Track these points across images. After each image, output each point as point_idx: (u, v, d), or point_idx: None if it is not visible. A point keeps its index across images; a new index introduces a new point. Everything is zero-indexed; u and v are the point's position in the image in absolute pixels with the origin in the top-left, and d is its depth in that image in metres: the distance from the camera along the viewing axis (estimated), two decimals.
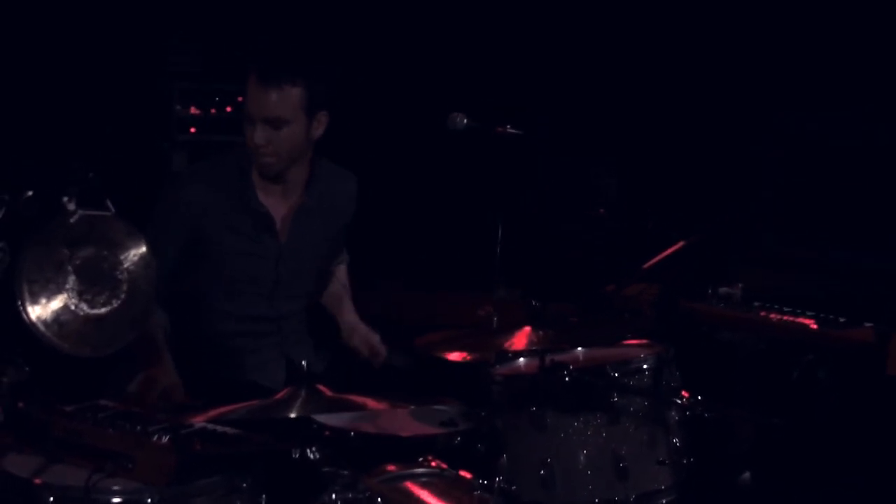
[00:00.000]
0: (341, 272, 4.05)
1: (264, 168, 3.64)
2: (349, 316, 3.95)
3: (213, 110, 5.65)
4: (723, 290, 4.10)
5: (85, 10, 5.40)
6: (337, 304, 3.99)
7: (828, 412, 3.95)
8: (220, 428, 2.93)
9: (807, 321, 3.95)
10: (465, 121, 3.81)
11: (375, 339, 3.85)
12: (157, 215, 3.68)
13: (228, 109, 5.65)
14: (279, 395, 2.96)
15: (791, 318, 3.98)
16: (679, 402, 3.27)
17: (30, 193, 2.72)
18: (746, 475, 3.44)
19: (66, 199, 2.71)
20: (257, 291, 3.75)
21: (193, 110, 5.63)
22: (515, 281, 4.46)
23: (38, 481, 2.75)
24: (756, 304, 4.09)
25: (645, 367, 3.33)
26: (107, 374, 3.56)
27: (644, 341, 3.51)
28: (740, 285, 4.12)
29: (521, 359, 3.49)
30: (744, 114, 5.18)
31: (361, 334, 3.87)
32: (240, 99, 5.51)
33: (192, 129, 5.62)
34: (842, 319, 3.90)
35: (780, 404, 4.00)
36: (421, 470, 3.14)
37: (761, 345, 4.01)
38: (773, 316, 4.02)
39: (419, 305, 4.51)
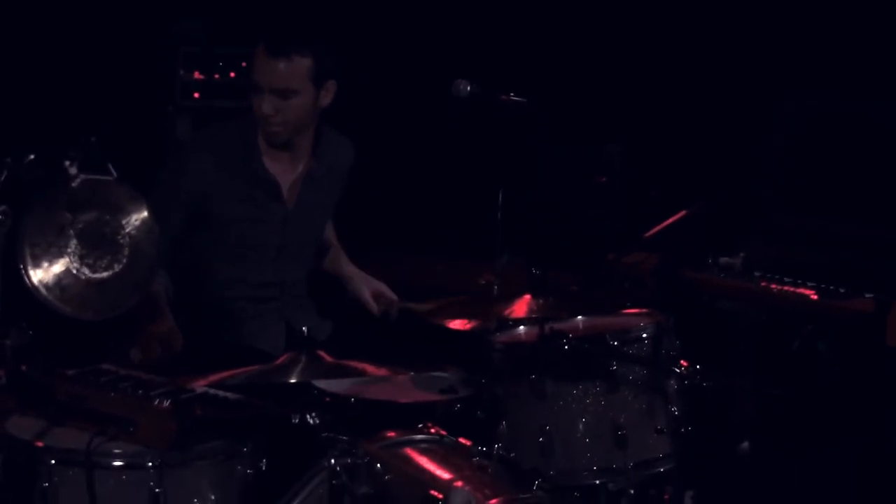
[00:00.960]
0: (331, 233, 4.07)
1: (272, 137, 3.65)
2: (351, 268, 3.99)
3: (216, 75, 5.62)
4: (723, 259, 4.09)
5: None
6: (336, 262, 4.02)
7: (827, 382, 3.96)
8: (220, 393, 2.95)
9: (807, 291, 3.95)
10: (469, 88, 3.81)
11: (383, 286, 3.88)
12: (161, 181, 3.69)
13: (232, 75, 5.63)
14: (280, 361, 2.97)
15: (791, 289, 3.98)
16: (678, 370, 3.28)
17: (31, 157, 2.73)
18: (745, 444, 3.45)
19: (67, 163, 2.71)
20: (262, 257, 3.76)
21: (197, 75, 5.61)
22: (518, 249, 4.47)
23: (39, 444, 2.78)
24: (757, 274, 4.08)
25: (644, 335, 3.34)
26: (110, 337, 3.58)
27: (644, 310, 3.52)
28: (741, 255, 4.12)
29: (522, 327, 3.50)
30: (748, 86, 5.16)
31: (369, 283, 3.90)
32: (244, 64, 5.54)
33: (196, 95, 5.60)
34: (842, 290, 3.89)
35: (780, 374, 4.01)
36: (420, 436, 3.14)
37: (762, 315, 4.01)
38: (773, 286, 4.02)
39: (420, 272, 4.51)
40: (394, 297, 3.87)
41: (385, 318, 3.87)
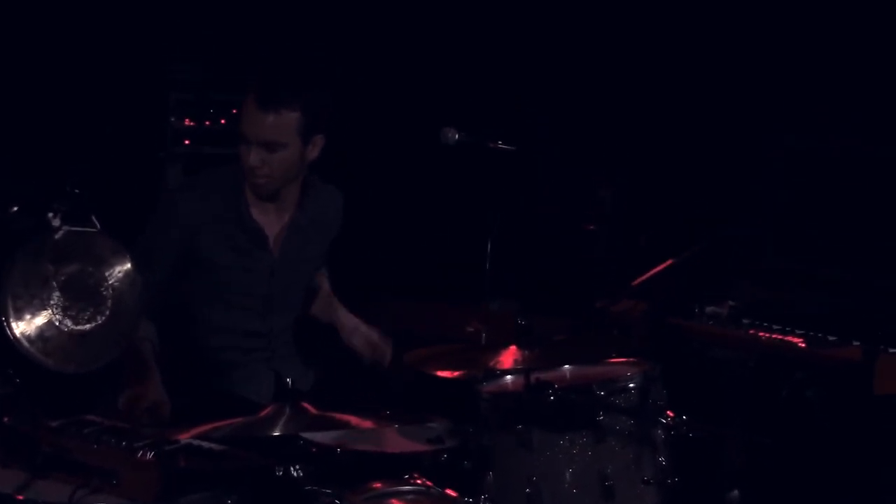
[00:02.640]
0: (323, 279, 4.06)
1: (257, 188, 3.66)
2: (345, 317, 3.94)
3: (207, 122, 5.64)
4: (711, 308, 4.10)
5: (80, 20, 5.40)
6: (331, 310, 3.98)
7: (816, 431, 3.95)
8: (205, 444, 2.93)
9: (796, 339, 3.95)
10: (458, 136, 3.82)
11: (375, 335, 3.86)
12: (150, 228, 3.70)
13: (223, 121, 5.65)
14: (264, 413, 2.96)
15: (780, 337, 3.98)
16: (665, 420, 3.26)
17: (15, 209, 2.73)
18: (735, 494, 3.43)
19: (51, 214, 2.71)
20: (249, 306, 3.76)
21: (188, 122, 5.63)
22: (507, 294, 4.46)
23: (20, 497, 2.76)
24: (745, 321, 4.08)
25: (631, 385, 3.32)
26: (95, 388, 3.56)
27: (631, 359, 3.50)
28: (729, 303, 4.12)
29: (508, 377, 3.48)
30: (737, 131, 5.18)
31: (363, 333, 3.87)
32: (235, 111, 5.54)
33: (187, 141, 5.62)
34: (831, 338, 3.89)
35: (768, 423, 3.99)
36: (407, 487, 3.13)
37: (750, 363, 4.01)
38: (761, 334, 4.02)
39: (409, 317, 4.50)
40: (386, 348, 3.84)
41: (376, 368, 3.85)
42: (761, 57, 5.22)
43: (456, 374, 3.41)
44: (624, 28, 5.59)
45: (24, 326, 2.69)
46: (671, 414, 3.25)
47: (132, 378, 3.54)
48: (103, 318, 2.76)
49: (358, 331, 3.90)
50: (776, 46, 5.16)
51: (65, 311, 2.72)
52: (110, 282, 2.78)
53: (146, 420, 3.43)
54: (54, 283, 2.71)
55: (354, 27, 5.81)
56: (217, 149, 5.52)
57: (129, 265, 2.80)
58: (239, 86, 4.01)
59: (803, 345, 3.91)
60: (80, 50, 5.44)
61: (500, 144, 3.90)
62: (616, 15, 5.61)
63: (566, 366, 3.50)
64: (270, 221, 3.75)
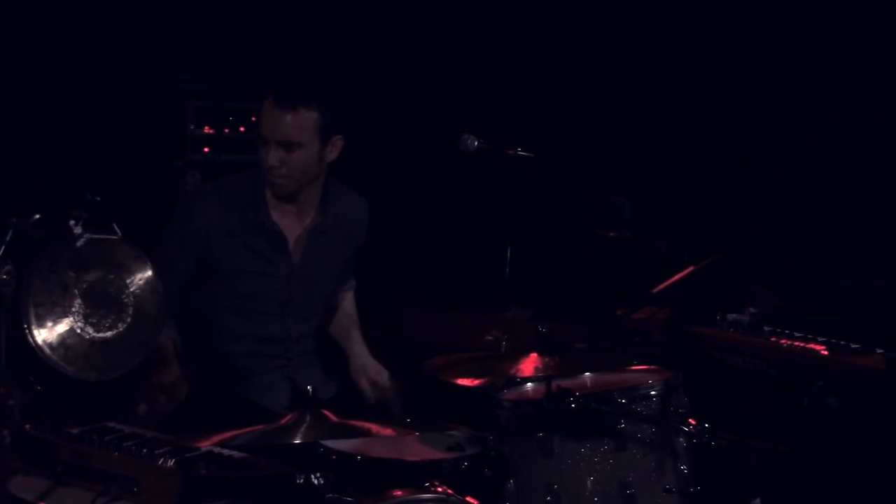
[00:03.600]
0: (348, 301, 4.05)
1: (276, 188, 3.66)
2: (358, 348, 3.90)
3: (226, 129, 5.65)
4: (732, 315, 4.08)
5: (98, 28, 5.42)
6: (345, 336, 3.96)
7: (838, 439, 3.92)
8: (225, 452, 2.93)
9: (818, 347, 3.92)
10: (476, 143, 3.82)
11: (383, 377, 3.79)
12: (169, 233, 3.70)
13: (242, 129, 5.66)
14: (284, 420, 2.95)
15: (801, 344, 3.95)
16: (687, 428, 3.25)
17: (37, 217, 2.73)
18: (756, 502, 3.41)
19: (72, 222, 2.72)
20: (268, 311, 3.76)
21: (207, 129, 5.64)
22: (525, 302, 4.45)
23: None
24: (766, 329, 4.06)
25: (653, 393, 3.31)
26: (116, 395, 3.57)
27: (652, 367, 3.49)
28: (750, 310, 4.10)
29: (529, 384, 3.47)
30: (760, 138, 5.16)
31: (370, 375, 3.80)
32: (253, 119, 5.56)
33: (206, 149, 5.63)
34: (853, 346, 3.87)
35: (790, 431, 3.97)
36: (427, 495, 3.12)
37: (771, 371, 3.98)
38: (783, 341, 3.99)
39: (428, 326, 4.50)
40: (390, 391, 3.78)
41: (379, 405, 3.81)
42: (778, 64, 5.20)
43: (476, 381, 3.40)
44: (639, 37, 5.59)
45: (46, 334, 2.69)
46: (693, 422, 3.24)
47: (151, 369, 3.53)
48: (124, 325, 2.76)
49: (365, 371, 3.82)
50: (789, 54, 5.14)
51: (86, 318, 2.73)
52: (131, 289, 2.78)
53: (164, 400, 3.44)
54: (76, 291, 2.71)
55: (372, 34, 5.82)
56: (235, 156, 5.53)
57: (150, 272, 2.80)
58: (257, 94, 4.00)
59: (825, 352, 3.88)
60: (100, 60, 5.47)
61: (520, 151, 3.89)
62: (631, 25, 5.61)
63: (587, 373, 3.49)
64: (291, 225, 3.75)
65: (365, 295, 4.16)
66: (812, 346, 3.92)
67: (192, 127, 5.61)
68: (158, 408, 3.50)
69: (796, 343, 3.96)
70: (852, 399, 3.85)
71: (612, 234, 5.15)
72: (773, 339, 4.01)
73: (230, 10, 5.71)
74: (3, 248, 2.66)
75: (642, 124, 5.59)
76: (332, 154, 3.67)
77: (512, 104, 5.69)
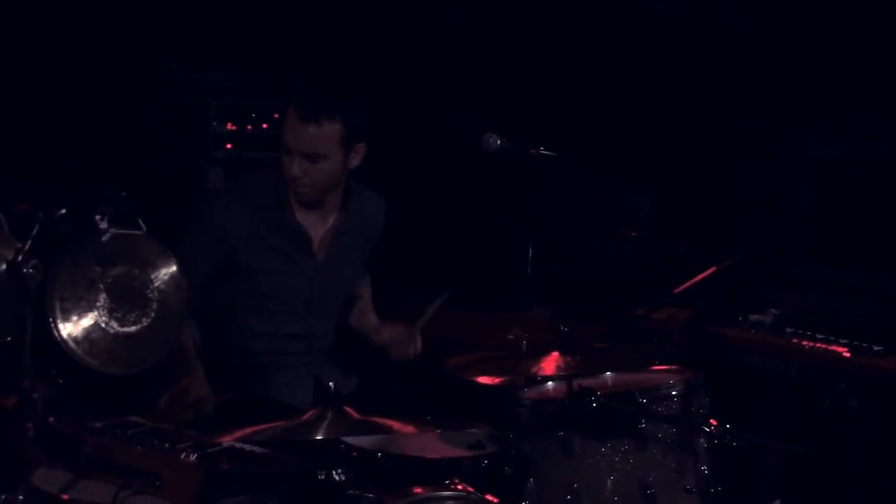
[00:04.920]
0: (366, 293, 4.07)
1: (300, 197, 3.68)
2: (374, 319, 4.00)
3: (249, 127, 5.68)
4: (754, 316, 4.07)
5: (122, 27, 5.45)
6: (362, 316, 4.02)
7: (859, 441, 3.91)
8: (247, 447, 2.94)
9: (840, 349, 3.91)
10: (499, 142, 3.82)
11: (402, 330, 3.87)
12: (192, 232, 3.71)
13: (264, 126, 5.68)
14: (306, 416, 2.96)
15: (823, 346, 3.94)
16: (708, 429, 3.25)
17: (63, 211, 2.75)
18: None
19: (98, 217, 2.73)
20: (291, 310, 3.77)
21: (230, 126, 5.66)
22: (545, 301, 4.46)
23: (66, 497, 2.78)
24: (788, 330, 4.05)
25: (674, 393, 3.31)
26: (138, 389, 3.58)
27: (673, 367, 3.49)
28: (772, 311, 4.09)
29: (550, 383, 3.47)
30: (779, 137, 5.15)
31: (391, 328, 3.90)
32: (276, 116, 5.59)
33: (229, 146, 5.65)
34: (876, 348, 3.85)
35: (811, 433, 3.96)
36: (447, 493, 3.12)
37: (792, 372, 3.97)
38: (805, 343, 3.98)
39: (449, 325, 4.50)
40: (416, 338, 3.86)
41: (387, 366, 3.86)
42: (801, 62, 5.19)
43: (497, 380, 3.41)
44: (659, 37, 5.59)
45: (71, 328, 2.70)
46: (714, 422, 3.23)
47: (176, 374, 3.55)
48: (149, 320, 2.77)
49: (386, 326, 3.95)
50: (810, 54, 5.13)
51: (111, 313, 2.74)
52: (156, 284, 2.79)
53: (190, 415, 3.45)
54: (101, 286, 2.72)
55: (394, 32, 5.83)
56: (258, 153, 5.56)
57: (174, 268, 2.81)
58: (280, 91, 4.02)
59: (847, 354, 3.87)
60: (124, 58, 5.49)
61: (542, 150, 3.89)
62: (652, 25, 5.61)
63: (608, 373, 3.49)
64: (315, 224, 3.76)
65: (386, 294, 4.17)
66: (834, 347, 3.91)
67: (214, 124, 5.64)
68: (184, 420, 3.51)
69: (818, 345, 3.95)
70: (874, 401, 3.84)
71: (632, 234, 5.15)
72: (794, 340, 4.00)
73: (252, 9, 5.73)
74: (29, 242, 2.68)
75: (662, 125, 5.59)
76: (354, 161, 3.68)
77: (532, 105, 5.69)
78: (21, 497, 2.72)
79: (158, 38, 5.56)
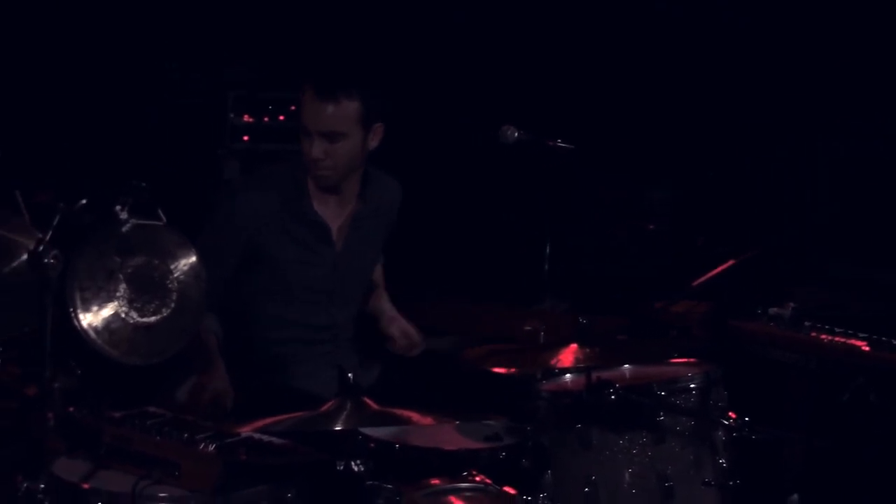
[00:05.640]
0: (378, 273, 4.07)
1: (321, 180, 3.67)
2: (387, 305, 3.96)
3: (266, 118, 5.69)
4: (773, 309, 4.04)
5: (139, 20, 5.46)
6: (377, 299, 4.00)
7: (878, 435, 3.90)
8: (265, 438, 2.94)
9: (859, 343, 3.88)
10: (517, 134, 3.81)
11: (412, 328, 3.85)
12: (212, 222, 3.71)
13: (281, 118, 5.69)
14: (325, 407, 2.97)
15: (843, 340, 3.91)
16: (726, 422, 3.24)
17: (83, 202, 2.76)
18: (795, 498, 3.39)
19: (118, 208, 2.74)
20: (313, 299, 3.77)
21: (247, 118, 5.67)
22: (562, 294, 4.45)
23: (86, 486, 2.79)
24: (807, 324, 4.03)
25: (692, 386, 3.31)
26: (157, 379, 3.59)
27: (692, 360, 3.48)
28: (791, 305, 4.07)
29: (568, 375, 3.47)
30: (799, 133, 5.14)
31: (400, 323, 3.87)
32: (292, 108, 5.59)
33: (246, 137, 5.66)
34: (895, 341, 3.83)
35: (829, 426, 3.95)
36: (465, 484, 3.13)
37: (811, 366, 3.95)
38: (824, 336, 3.95)
39: (466, 317, 4.50)
40: (419, 341, 3.84)
41: (406, 358, 3.85)
42: (822, 60, 5.18)
43: (515, 372, 3.41)
44: (680, 33, 5.57)
45: (91, 318, 2.71)
46: (733, 415, 3.23)
47: (197, 367, 3.56)
48: (168, 310, 2.78)
49: (395, 320, 3.90)
50: (835, 52, 5.11)
51: (131, 303, 2.74)
52: (175, 275, 2.80)
53: (210, 409, 3.46)
54: (121, 276, 2.73)
55: (412, 23, 5.83)
56: (275, 145, 5.57)
57: (194, 259, 2.82)
58: (297, 83, 3.99)
59: (867, 348, 3.84)
60: (142, 50, 5.51)
61: (560, 143, 3.88)
62: (670, 21, 5.59)
63: (626, 365, 3.48)
64: (332, 214, 3.76)
65: (404, 286, 4.17)
66: (853, 341, 3.88)
67: (231, 116, 5.65)
68: (204, 412, 3.52)
69: (837, 338, 3.92)
70: (893, 395, 3.83)
71: (650, 227, 5.14)
72: (813, 334, 3.97)
73: (270, 1, 5.74)
74: (50, 233, 2.69)
75: (680, 120, 5.57)
76: (373, 142, 3.67)
77: (551, 98, 5.68)
78: (42, 485, 2.73)
79: (178, 32, 5.57)
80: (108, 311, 2.73)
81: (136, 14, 5.46)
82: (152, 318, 2.77)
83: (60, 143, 5.11)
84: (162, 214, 2.79)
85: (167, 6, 5.53)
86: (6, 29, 5.18)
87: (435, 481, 3.13)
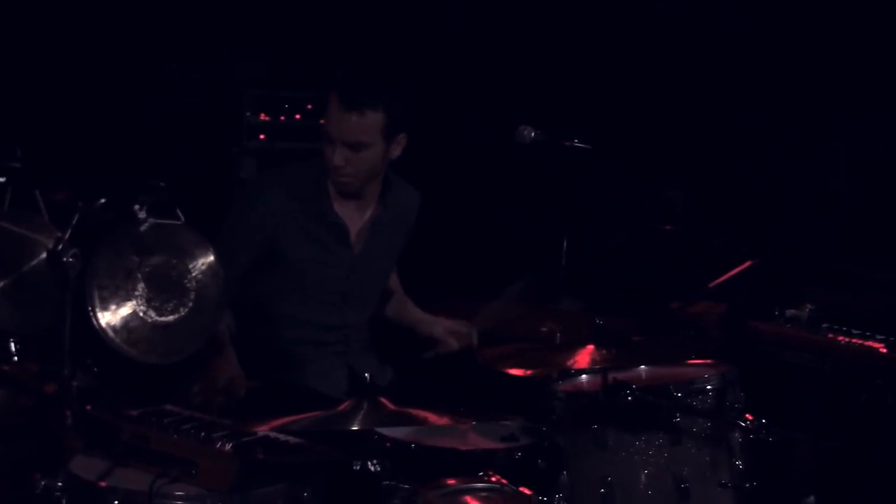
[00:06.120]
0: (394, 280, 4.07)
1: (341, 186, 3.68)
2: (419, 313, 3.96)
3: (282, 117, 5.69)
4: (790, 311, 4.04)
5: (155, 17, 5.47)
6: (404, 308, 4.01)
7: (894, 438, 3.88)
8: (282, 437, 2.95)
9: (876, 345, 3.87)
10: (533, 134, 3.81)
11: (455, 323, 3.83)
12: (232, 221, 3.72)
13: (298, 117, 5.69)
14: (342, 407, 2.97)
15: (860, 342, 3.90)
16: (743, 424, 3.23)
17: (102, 201, 2.77)
18: (811, 500, 3.38)
19: (136, 207, 2.75)
20: (327, 300, 3.78)
21: (263, 117, 5.68)
22: (577, 294, 4.44)
23: (103, 484, 2.80)
24: (824, 325, 4.02)
25: (709, 387, 3.30)
26: (174, 378, 3.60)
27: (708, 361, 3.48)
28: (808, 306, 4.06)
29: (584, 376, 3.47)
30: (813, 133, 5.12)
31: (442, 324, 3.86)
32: (309, 106, 5.60)
33: (262, 136, 5.67)
34: None
35: (846, 429, 3.94)
36: (480, 485, 3.13)
37: (828, 367, 3.94)
38: (840, 338, 3.94)
39: (483, 316, 4.50)
40: (467, 329, 3.83)
41: (466, 352, 3.84)
42: (837, 59, 5.16)
43: (531, 372, 3.41)
44: (694, 32, 5.56)
45: (109, 317, 2.72)
46: (750, 417, 3.22)
47: (208, 357, 3.57)
48: (186, 310, 2.79)
49: (437, 321, 3.89)
50: (843, 53, 5.10)
51: (149, 302, 2.75)
52: (193, 274, 2.81)
53: (222, 399, 3.47)
54: (139, 275, 2.74)
55: (428, 23, 5.83)
56: (291, 144, 5.57)
57: (212, 258, 2.83)
58: (313, 81, 4.01)
59: (884, 350, 3.83)
60: (159, 49, 5.52)
61: (576, 143, 3.88)
62: (683, 20, 5.59)
63: (642, 366, 3.48)
64: (352, 217, 3.77)
65: (417, 286, 4.17)
66: (870, 343, 3.87)
67: (248, 114, 5.65)
68: (217, 404, 3.53)
69: (854, 340, 3.91)
70: None
71: (667, 228, 5.13)
72: (830, 335, 3.96)
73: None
74: (69, 231, 2.70)
75: (699, 119, 5.56)
76: (395, 152, 3.68)
77: (567, 99, 5.67)
78: (60, 483, 2.74)
79: (194, 29, 5.58)
80: (126, 309, 2.74)
81: (151, 12, 5.47)
82: (170, 317, 2.78)
83: (77, 144, 5.12)
84: (180, 214, 2.80)
85: (182, 3, 5.54)
86: (37, 26, 5.20)
87: (451, 481, 3.13)
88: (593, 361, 3.31)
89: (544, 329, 3.69)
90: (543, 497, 3.14)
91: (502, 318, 3.77)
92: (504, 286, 3.86)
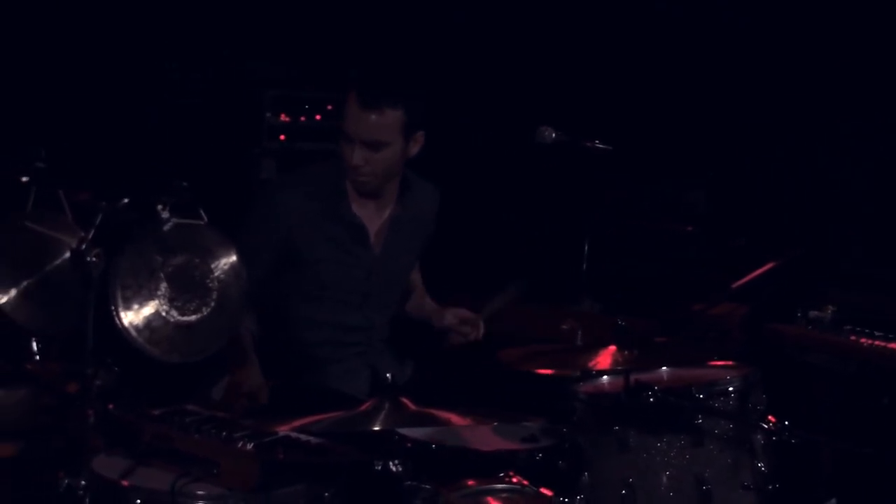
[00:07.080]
0: (417, 278, 4.07)
1: (360, 186, 3.68)
2: (431, 302, 3.99)
3: (302, 118, 5.70)
4: (813, 312, 4.02)
5: (176, 19, 5.49)
6: (422, 303, 4.03)
7: None
8: (303, 437, 2.95)
9: None
10: (554, 134, 3.81)
11: (464, 311, 3.84)
12: (252, 222, 3.73)
13: (318, 117, 5.70)
14: (363, 407, 2.97)
15: (882, 344, 3.88)
16: (765, 425, 3.22)
17: (125, 201, 2.78)
18: (833, 502, 3.37)
19: (160, 207, 2.76)
20: (348, 301, 3.78)
21: (283, 117, 5.69)
22: (598, 295, 4.44)
23: (125, 483, 2.80)
24: (847, 327, 4.00)
25: (731, 389, 3.28)
26: (195, 378, 3.61)
27: (730, 363, 3.46)
28: (830, 308, 4.04)
29: (605, 377, 3.46)
30: (842, 134, 5.10)
31: (452, 311, 3.87)
32: (329, 107, 5.61)
33: (282, 137, 5.68)
34: None
35: (868, 431, 3.91)
36: (501, 485, 3.13)
37: (851, 369, 3.93)
38: (863, 340, 3.92)
39: (505, 317, 4.50)
40: (476, 318, 3.82)
41: (442, 358, 3.85)
42: (858, 59, 5.14)
43: (552, 373, 3.40)
44: (714, 32, 5.55)
45: (132, 316, 2.73)
46: (772, 419, 3.20)
47: (232, 364, 3.58)
48: (208, 309, 2.79)
49: (447, 310, 3.90)
50: (867, 53, 5.07)
51: (171, 301, 2.76)
52: (216, 274, 2.81)
53: (245, 405, 3.47)
54: (162, 275, 2.75)
55: (447, 23, 5.83)
56: (311, 144, 5.58)
57: (234, 258, 2.83)
58: (334, 82, 4.01)
59: None
60: (179, 48, 5.53)
61: (597, 144, 3.88)
62: (703, 21, 5.57)
63: (664, 368, 3.47)
64: (371, 217, 3.77)
65: (439, 285, 4.17)
66: (893, 345, 3.85)
67: (268, 115, 5.67)
68: (238, 408, 3.54)
69: (877, 342, 3.89)
70: None
71: (688, 229, 5.11)
72: (853, 337, 3.94)
73: (307, 1, 5.75)
74: (92, 231, 2.71)
75: (720, 120, 5.55)
76: (414, 149, 3.68)
77: (587, 99, 5.66)
78: (83, 482, 2.75)
79: (213, 30, 5.60)
80: (149, 309, 2.74)
81: (170, 13, 5.49)
82: (192, 317, 2.79)
83: (100, 144, 5.14)
84: (203, 214, 2.80)
85: (201, 5, 5.55)
86: (66, 26, 5.23)
87: (471, 482, 3.13)
88: (615, 362, 3.30)
89: (564, 328, 3.68)
90: (564, 498, 3.13)
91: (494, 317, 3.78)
92: (503, 287, 3.86)
